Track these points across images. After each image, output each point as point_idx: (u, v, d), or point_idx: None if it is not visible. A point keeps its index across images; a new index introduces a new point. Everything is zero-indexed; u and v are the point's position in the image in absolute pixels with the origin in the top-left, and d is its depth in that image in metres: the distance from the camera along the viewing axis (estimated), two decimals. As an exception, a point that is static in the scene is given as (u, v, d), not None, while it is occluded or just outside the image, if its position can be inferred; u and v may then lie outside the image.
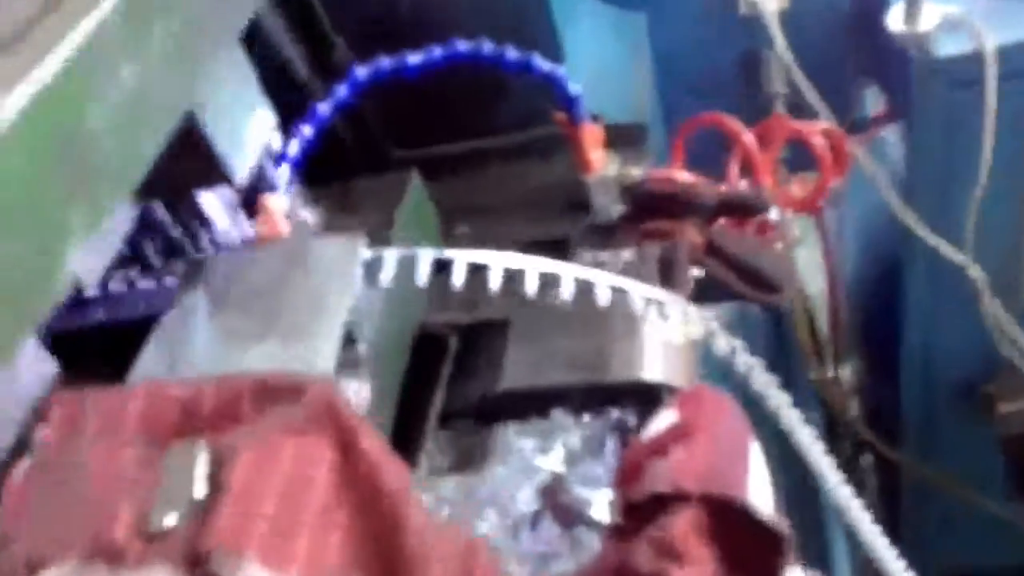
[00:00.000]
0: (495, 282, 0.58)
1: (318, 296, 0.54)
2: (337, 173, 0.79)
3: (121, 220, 0.59)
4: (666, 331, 0.65)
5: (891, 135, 1.29)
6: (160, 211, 0.67)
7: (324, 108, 0.70)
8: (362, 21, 0.84)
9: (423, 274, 0.58)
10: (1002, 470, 1.43)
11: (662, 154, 0.95)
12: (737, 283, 0.79)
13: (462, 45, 0.72)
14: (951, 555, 1.50)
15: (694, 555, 0.43)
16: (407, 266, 0.58)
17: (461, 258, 0.58)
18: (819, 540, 1.40)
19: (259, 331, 0.52)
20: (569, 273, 0.60)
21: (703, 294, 0.74)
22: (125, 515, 0.38)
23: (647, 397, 0.64)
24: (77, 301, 0.65)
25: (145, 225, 0.66)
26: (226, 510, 0.37)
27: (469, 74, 0.73)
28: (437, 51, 0.71)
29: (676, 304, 0.64)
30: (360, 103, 0.74)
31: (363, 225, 0.69)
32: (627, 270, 0.73)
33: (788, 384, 0.65)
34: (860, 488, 0.70)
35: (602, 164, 0.81)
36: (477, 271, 0.59)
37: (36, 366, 0.51)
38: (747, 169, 0.92)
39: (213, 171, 0.60)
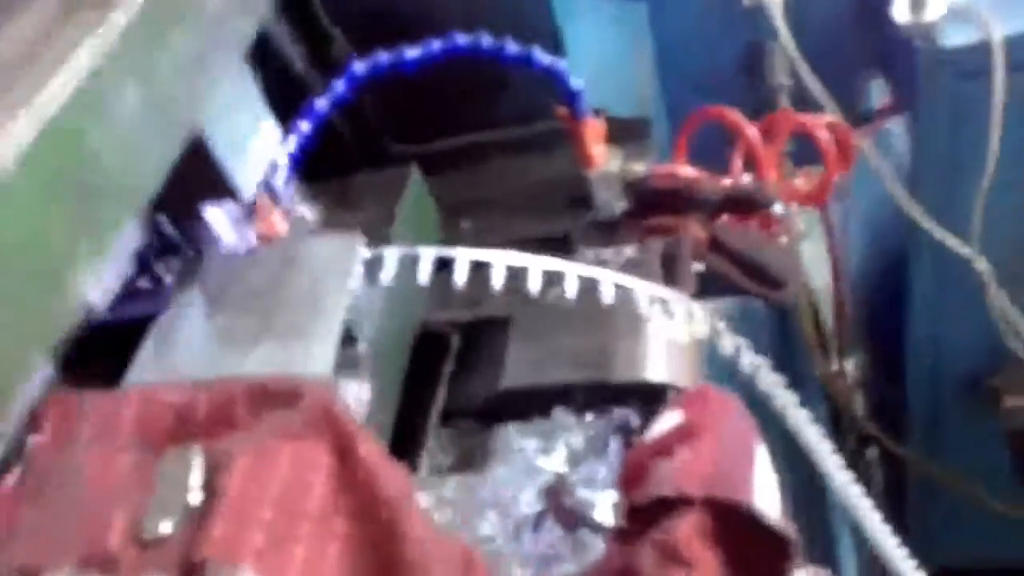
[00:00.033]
0: (497, 280, 0.57)
1: (315, 296, 0.54)
2: (336, 169, 0.78)
3: (129, 239, 0.58)
4: (670, 329, 0.64)
5: (896, 127, 1.28)
6: (167, 226, 0.66)
7: (322, 104, 0.69)
8: (360, 15, 0.83)
9: (424, 272, 0.57)
10: (1008, 464, 1.42)
11: (665, 148, 0.94)
12: (741, 278, 0.78)
13: (461, 39, 0.71)
14: (957, 549, 1.50)
15: (698, 559, 0.42)
16: (408, 264, 0.57)
17: (463, 256, 0.57)
18: (825, 538, 1.39)
19: (256, 332, 0.52)
20: (572, 270, 0.59)
21: (706, 288, 0.73)
22: (119, 522, 0.38)
23: (651, 397, 0.64)
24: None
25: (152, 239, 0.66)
26: (221, 518, 0.36)
27: (469, 68, 0.72)
28: (436, 45, 0.70)
29: (681, 302, 0.63)
30: (359, 98, 0.73)
31: (362, 221, 0.68)
32: (630, 267, 0.73)
33: (793, 380, 0.65)
34: (865, 482, 0.69)
35: (604, 159, 0.80)
36: (479, 268, 0.58)
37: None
38: (751, 163, 0.90)
39: (220, 186, 0.60)
